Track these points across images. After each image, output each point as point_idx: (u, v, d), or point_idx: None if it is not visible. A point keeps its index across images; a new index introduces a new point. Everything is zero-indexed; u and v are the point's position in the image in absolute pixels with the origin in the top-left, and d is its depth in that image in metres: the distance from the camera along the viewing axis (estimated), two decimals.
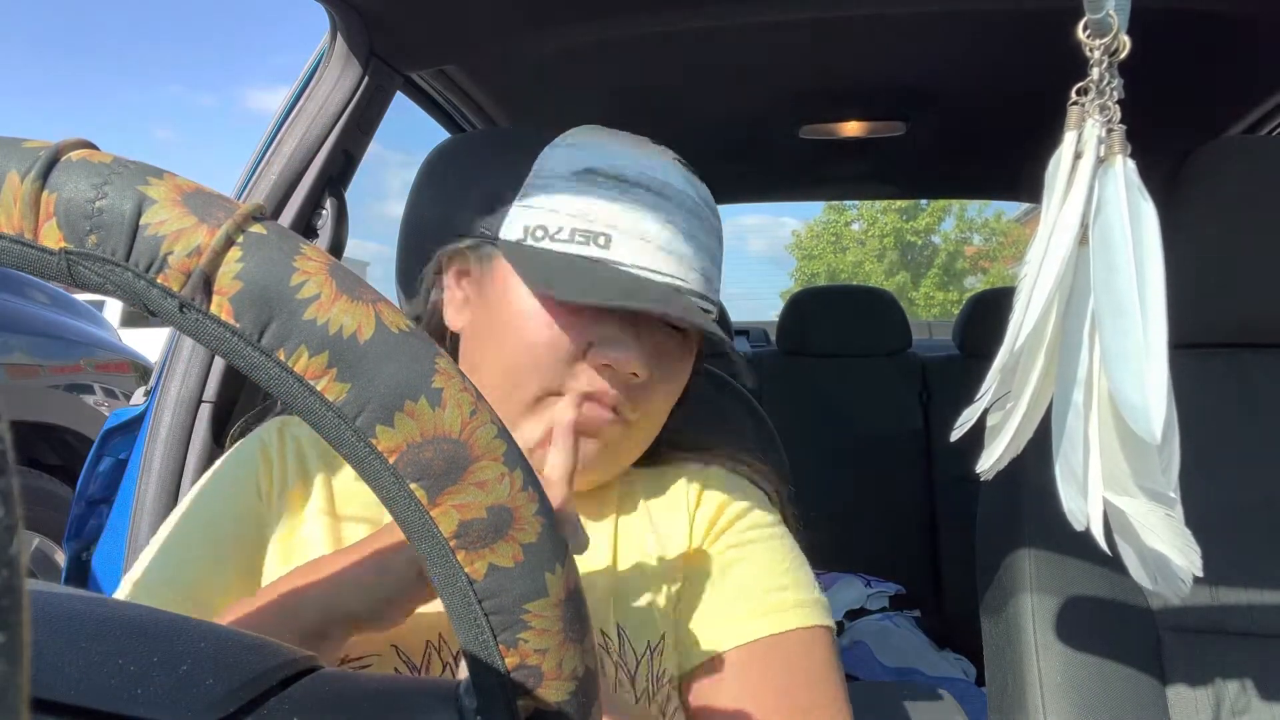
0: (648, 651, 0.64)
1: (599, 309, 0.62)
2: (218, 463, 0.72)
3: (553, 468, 0.56)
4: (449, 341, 0.71)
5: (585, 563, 0.65)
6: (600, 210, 0.64)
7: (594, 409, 0.63)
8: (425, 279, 0.74)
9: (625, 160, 0.66)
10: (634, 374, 0.63)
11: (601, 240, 0.63)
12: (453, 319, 0.70)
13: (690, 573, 0.67)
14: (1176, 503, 0.47)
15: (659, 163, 0.67)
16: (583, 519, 0.62)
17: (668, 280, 0.63)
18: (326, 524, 0.65)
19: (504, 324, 0.65)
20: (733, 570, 0.67)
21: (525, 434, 0.64)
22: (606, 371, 0.63)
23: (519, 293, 0.64)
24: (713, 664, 0.64)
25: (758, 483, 0.74)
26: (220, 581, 0.62)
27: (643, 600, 0.66)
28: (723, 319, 2.55)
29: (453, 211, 0.73)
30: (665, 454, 0.74)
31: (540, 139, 0.71)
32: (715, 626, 0.65)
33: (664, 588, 0.66)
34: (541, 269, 0.62)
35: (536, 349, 0.63)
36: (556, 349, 0.63)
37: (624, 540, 0.68)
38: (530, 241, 0.65)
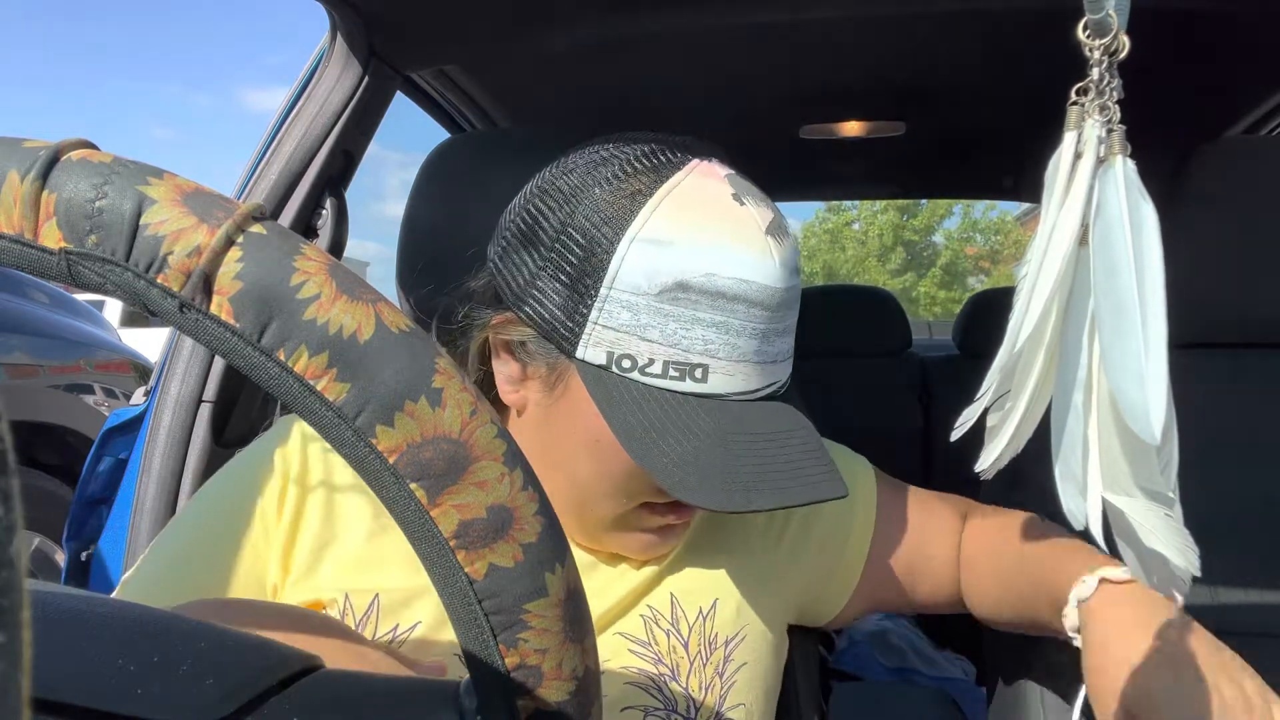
0: (700, 617, 0.67)
1: None
2: (235, 466, 0.70)
3: None
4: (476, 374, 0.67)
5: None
6: (695, 338, 0.57)
7: (677, 527, 0.66)
8: (467, 320, 0.66)
9: (718, 265, 0.57)
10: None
11: (699, 374, 0.57)
12: (504, 391, 0.65)
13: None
14: (1176, 503, 0.47)
15: (754, 258, 0.58)
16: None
17: (766, 392, 0.61)
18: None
19: (577, 444, 0.61)
20: None
21: (610, 536, 0.66)
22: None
23: (601, 425, 0.58)
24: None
25: None
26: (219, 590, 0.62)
27: (693, 568, 0.70)
28: None
29: (457, 219, 0.72)
30: None
31: (539, 138, 0.70)
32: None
33: (716, 553, 0.71)
34: (634, 418, 0.57)
35: (618, 482, 0.62)
36: (639, 481, 0.61)
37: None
38: (616, 371, 0.58)
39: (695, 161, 0.61)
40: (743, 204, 0.59)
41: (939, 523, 0.78)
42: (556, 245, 0.59)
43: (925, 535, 0.77)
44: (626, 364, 0.57)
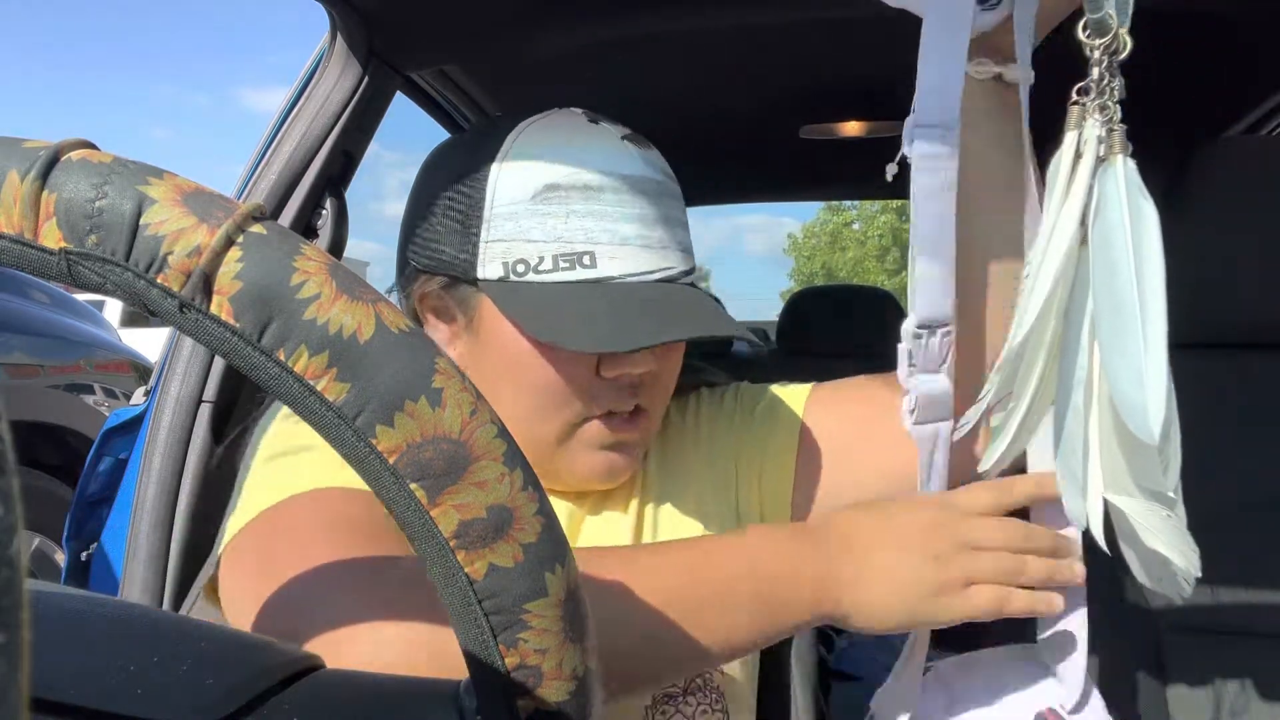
0: None
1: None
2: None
3: None
4: None
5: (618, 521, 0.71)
6: (574, 229, 0.62)
7: (622, 423, 0.65)
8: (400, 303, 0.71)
9: (580, 162, 0.63)
10: (647, 370, 0.65)
11: (586, 260, 0.62)
12: (448, 346, 0.69)
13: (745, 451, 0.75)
14: (1177, 503, 0.47)
15: (612, 151, 0.65)
16: (613, 499, 0.71)
17: (660, 275, 0.64)
18: None
19: (508, 368, 0.64)
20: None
21: (565, 459, 0.66)
22: (623, 380, 0.64)
23: (516, 336, 0.63)
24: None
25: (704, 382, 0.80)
26: None
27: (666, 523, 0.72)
28: None
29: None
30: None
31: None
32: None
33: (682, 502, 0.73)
34: (539, 314, 0.61)
35: (551, 389, 0.63)
36: (572, 382, 0.63)
37: (654, 484, 0.74)
38: (513, 278, 0.63)
39: (552, 110, 0.69)
40: (597, 123, 0.67)
41: (877, 395, 0.74)
42: (443, 201, 0.66)
43: (861, 410, 0.74)
44: (521, 268, 0.62)
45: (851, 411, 0.74)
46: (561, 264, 0.62)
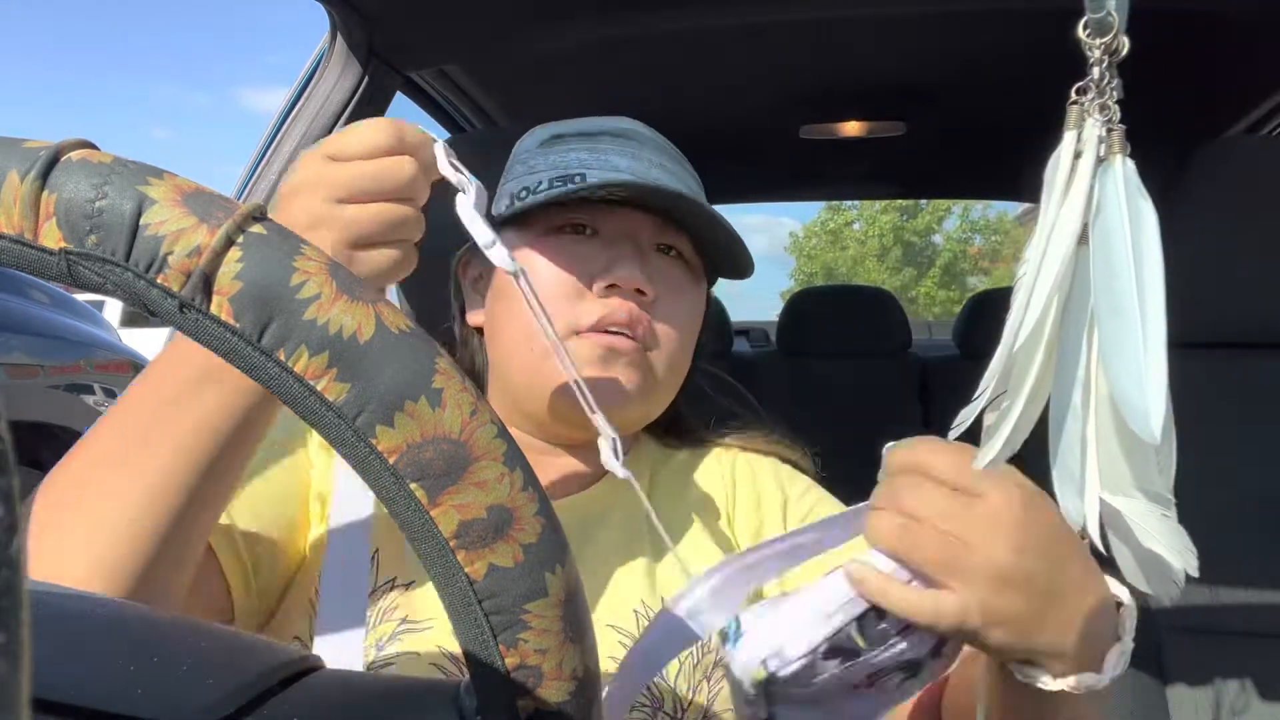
0: None
1: (596, 249, 0.67)
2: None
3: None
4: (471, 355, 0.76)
5: (627, 538, 0.69)
6: (571, 160, 0.68)
7: (612, 339, 0.66)
8: (453, 296, 0.77)
9: (589, 122, 0.71)
10: (640, 291, 0.66)
11: (577, 179, 0.65)
12: (474, 320, 0.74)
13: (743, 531, 0.71)
14: (1173, 503, 0.47)
15: (623, 120, 0.72)
16: (621, 499, 0.70)
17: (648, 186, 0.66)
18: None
19: (507, 283, 0.66)
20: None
21: (560, 377, 0.66)
22: (615, 294, 0.66)
23: (519, 256, 0.65)
24: None
25: (783, 455, 0.77)
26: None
27: (680, 573, 0.67)
28: (719, 316, 2.56)
29: (457, 219, 0.74)
30: (688, 433, 0.78)
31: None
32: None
33: (703, 557, 0.68)
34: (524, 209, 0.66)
35: (546, 296, 0.64)
36: (563, 286, 0.66)
37: (661, 513, 0.69)
38: (517, 204, 0.67)
39: None
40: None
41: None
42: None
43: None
44: (523, 194, 0.67)
45: None
46: (555, 183, 0.66)
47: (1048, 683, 0.43)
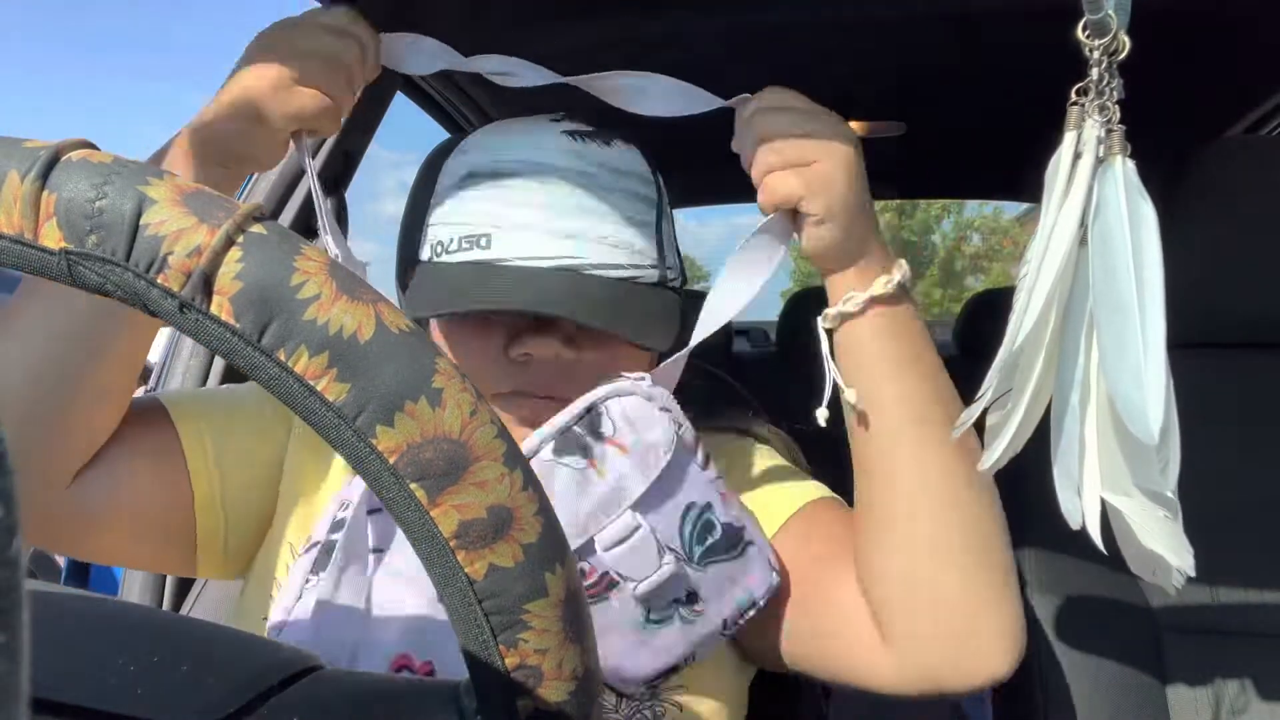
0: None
1: (512, 314, 0.64)
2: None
3: None
4: None
5: None
6: (480, 212, 0.65)
7: (528, 403, 0.64)
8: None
9: (503, 152, 0.66)
10: (557, 355, 0.64)
11: (484, 242, 0.64)
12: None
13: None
14: (1175, 504, 0.47)
15: (541, 141, 0.66)
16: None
17: (560, 262, 0.63)
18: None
19: (439, 334, 0.68)
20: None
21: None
22: (531, 362, 0.64)
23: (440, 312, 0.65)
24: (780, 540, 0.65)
25: (779, 451, 0.76)
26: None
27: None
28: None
29: None
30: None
31: None
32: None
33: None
34: (430, 290, 0.65)
35: (462, 363, 0.63)
36: (480, 357, 0.65)
37: None
38: (434, 260, 0.66)
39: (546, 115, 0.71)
40: (558, 121, 0.69)
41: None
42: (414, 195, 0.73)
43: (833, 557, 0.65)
44: (439, 250, 0.66)
45: (809, 571, 0.65)
46: (464, 244, 0.65)
47: (856, 297, 0.58)
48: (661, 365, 0.65)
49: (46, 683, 0.28)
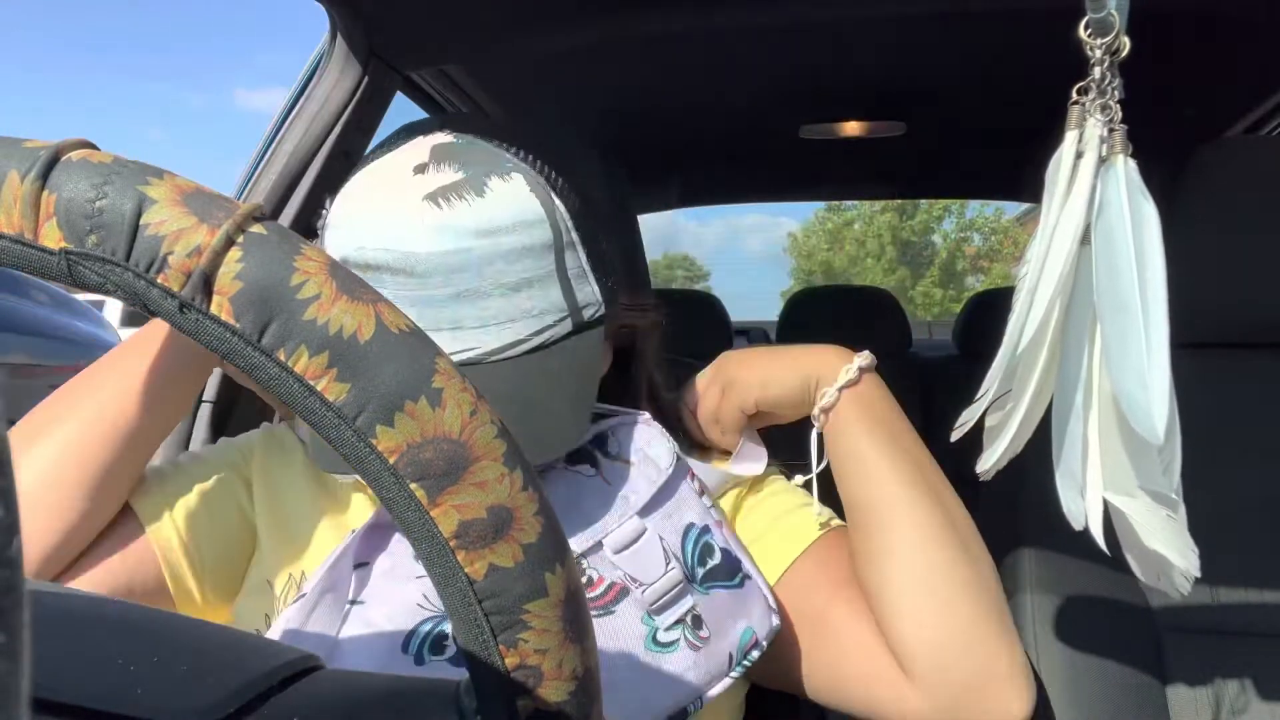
0: None
1: None
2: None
3: None
4: None
5: None
6: None
7: None
8: None
9: (367, 238, 0.59)
10: None
11: None
12: None
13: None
14: (1179, 504, 0.47)
15: (403, 218, 0.59)
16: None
17: (457, 358, 0.59)
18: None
19: None
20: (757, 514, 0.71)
21: None
22: None
23: None
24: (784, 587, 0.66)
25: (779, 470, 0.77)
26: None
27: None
28: (719, 316, 2.57)
29: None
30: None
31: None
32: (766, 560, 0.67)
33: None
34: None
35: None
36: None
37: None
38: None
39: (417, 138, 0.63)
40: (423, 172, 0.60)
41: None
42: None
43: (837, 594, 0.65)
44: None
45: (817, 608, 0.65)
46: None
47: (828, 392, 0.66)
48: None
49: (46, 683, 0.28)
